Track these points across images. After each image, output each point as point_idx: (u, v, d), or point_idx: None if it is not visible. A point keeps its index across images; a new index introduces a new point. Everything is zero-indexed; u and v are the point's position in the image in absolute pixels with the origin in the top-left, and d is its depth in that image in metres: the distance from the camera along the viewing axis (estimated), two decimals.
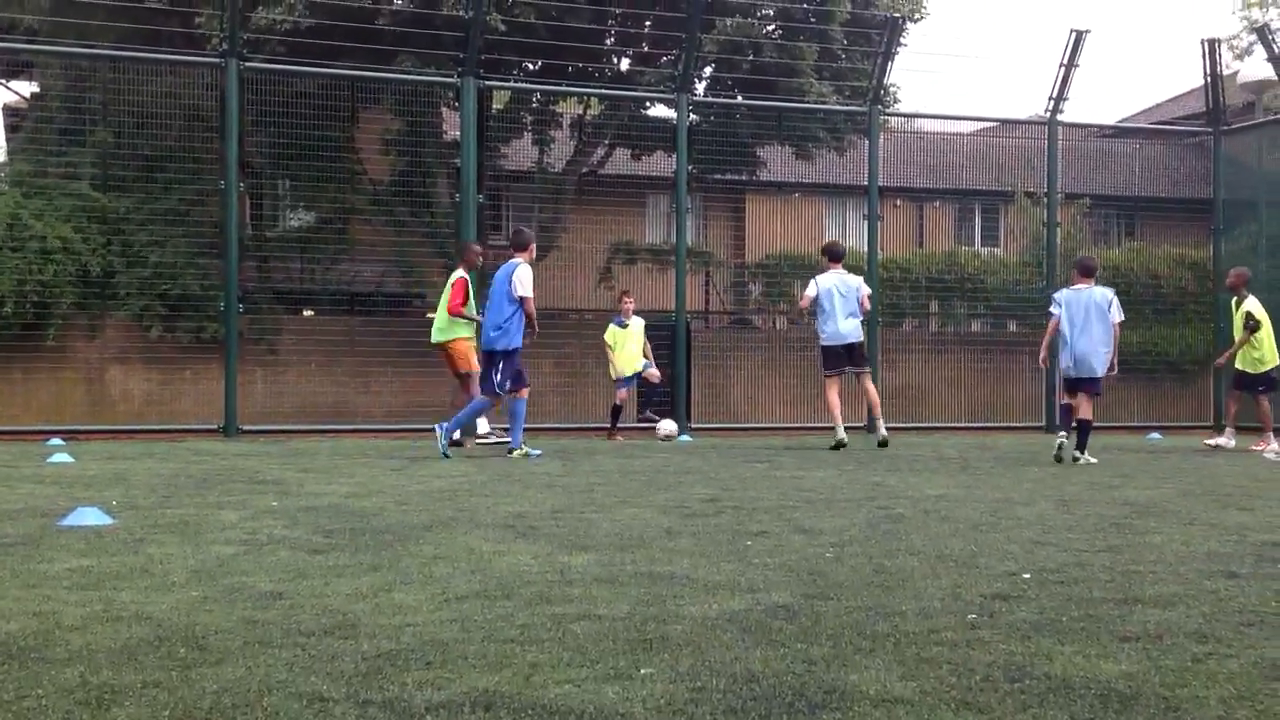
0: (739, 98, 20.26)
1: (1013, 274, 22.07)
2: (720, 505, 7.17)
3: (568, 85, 19.51)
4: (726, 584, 4.53)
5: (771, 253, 22.69)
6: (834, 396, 13.68)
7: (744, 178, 22.15)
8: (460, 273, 12.95)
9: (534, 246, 12.45)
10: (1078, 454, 11.31)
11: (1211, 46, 20.28)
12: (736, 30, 19.28)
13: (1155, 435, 18.21)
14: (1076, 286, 12.24)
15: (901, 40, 19.36)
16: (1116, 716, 2.86)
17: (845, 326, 13.47)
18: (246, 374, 16.03)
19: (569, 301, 20.23)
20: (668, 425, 15.97)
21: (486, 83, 17.54)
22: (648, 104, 20.54)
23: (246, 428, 15.35)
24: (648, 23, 19.65)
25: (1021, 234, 22.68)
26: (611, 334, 15.94)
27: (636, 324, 15.89)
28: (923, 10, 21.15)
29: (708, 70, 20.43)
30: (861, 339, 13.90)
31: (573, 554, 5.24)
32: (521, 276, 11.59)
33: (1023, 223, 22.59)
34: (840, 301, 13.42)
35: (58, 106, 18.15)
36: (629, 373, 15.78)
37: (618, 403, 15.92)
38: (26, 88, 21.46)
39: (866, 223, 19.19)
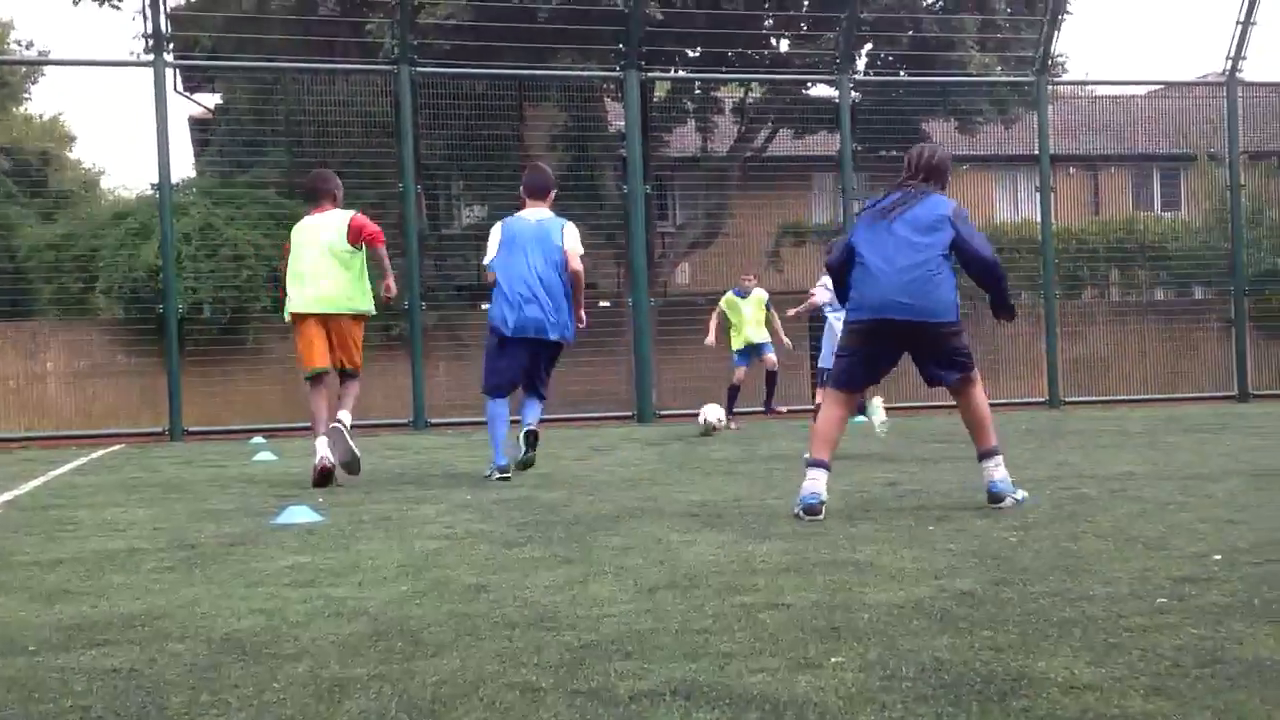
0: (901, 73, 20.07)
1: (1197, 238, 21.37)
2: (900, 490, 7.22)
3: (727, 71, 19.61)
4: (911, 571, 4.61)
5: None
6: None
7: None
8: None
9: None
10: None
11: None
12: (894, 6, 19.12)
13: None
14: None
15: (1068, 8, 18.92)
16: None
17: None
18: (432, 368, 16.61)
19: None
20: (709, 411, 13.58)
21: (648, 74, 17.77)
22: (809, 84, 20.52)
23: (434, 421, 15.90)
24: (805, 2, 19.62)
25: (1206, 197, 21.94)
26: (728, 302, 14.65)
27: (758, 294, 14.56)
28: None
29: (867, 46, 20.30)
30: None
31: (757, 542, 5.38)
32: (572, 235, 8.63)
33: (1206, 185, 21.85)
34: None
35: (242, 119, 19.06)
36: (741, 345, 14.44)
37: (735, 382, 14.55)
38: (211, 100, 22.52)
39: (1039, 194, 18.80)
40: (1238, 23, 18.57)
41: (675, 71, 20.23)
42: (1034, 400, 18.34)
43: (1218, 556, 4.65)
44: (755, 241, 20.35)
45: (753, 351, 14.49)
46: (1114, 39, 60.05)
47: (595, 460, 10.01)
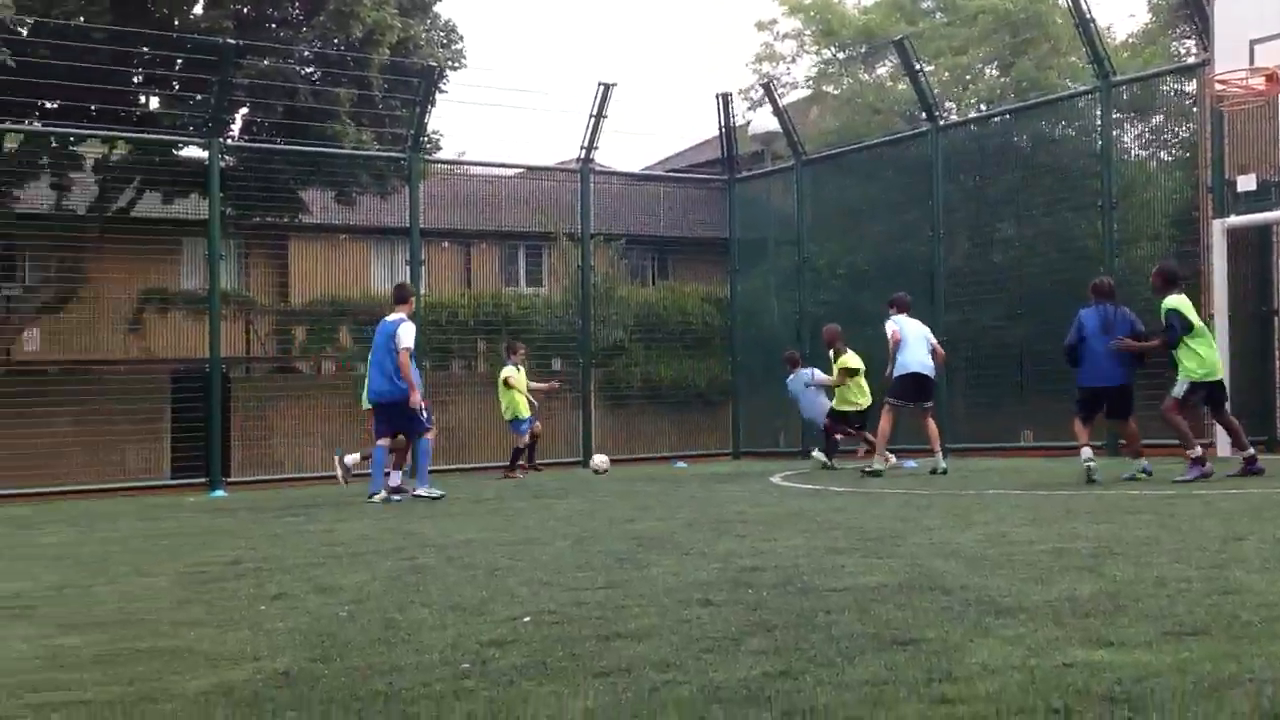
0: (276, 141, 19.95)
1: (557, 313, 22.89)
2: (242, 568, 7.06)
3: (88, 126, 18.45)
4: (231, 654, 4.50)
5: (317, 296, 22.45)
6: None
7: (285, 220, 21.82)
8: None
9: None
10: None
11: (725, 100, 21.98)
12: (270, 72, 18.99)
13: (681, 464, 19.44)
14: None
15: (441, 88, 19.77)
16: None
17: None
18: None
19: (96, 353, 19.14)
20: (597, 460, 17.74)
21: None
22: (179, 146, 19.84)
23: None
24: (178, 62, 18.99)
25: (565, 274, 23.62)
26: (514, 373, 16.91)
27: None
28: (462, 60, 21.67)
29: (243, 111, 20.01)
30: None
31: (71, 634, 5.03)
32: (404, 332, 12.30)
33: (565, 264, 23.54)
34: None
35: None
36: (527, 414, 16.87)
37: (519, 445, 16.99)
38: None
39: (410, 267, 19.33)
40: (591, 115, 20.27)
41: (29, 123, 18.80)
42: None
43: (527, 619, 4.94)
44: (117, 306, 19.29)
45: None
46: (487, 121, 63.68)
47: None
